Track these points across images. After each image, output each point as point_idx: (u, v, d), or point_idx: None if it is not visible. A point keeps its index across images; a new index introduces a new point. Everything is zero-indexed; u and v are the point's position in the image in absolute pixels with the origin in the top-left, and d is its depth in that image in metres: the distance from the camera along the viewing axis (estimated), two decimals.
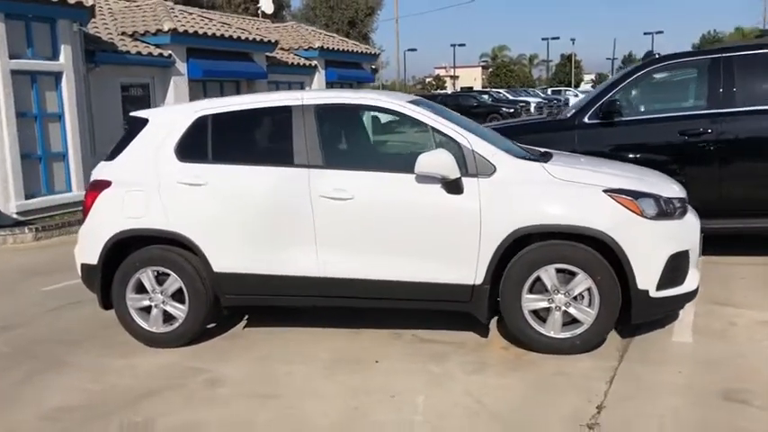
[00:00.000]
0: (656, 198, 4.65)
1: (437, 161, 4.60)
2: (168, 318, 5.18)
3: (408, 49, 49.83)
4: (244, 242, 4.99)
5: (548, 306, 4.66)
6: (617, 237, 4.48)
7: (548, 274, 4.61)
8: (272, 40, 18.30)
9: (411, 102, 5.12)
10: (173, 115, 5.37)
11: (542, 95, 44.58)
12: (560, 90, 53.82)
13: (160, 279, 5.15)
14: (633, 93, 6.91)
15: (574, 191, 4.61)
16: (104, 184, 5.23)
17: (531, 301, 4.67)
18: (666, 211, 4.65)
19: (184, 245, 5.05)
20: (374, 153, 5.28)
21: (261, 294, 5.12)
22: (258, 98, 5.37)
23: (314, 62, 20.77)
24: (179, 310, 5.13)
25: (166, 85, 15.52)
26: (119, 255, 5.19)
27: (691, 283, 4.77)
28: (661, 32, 77.63)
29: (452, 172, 4.60)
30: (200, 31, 15.81)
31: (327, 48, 21.08)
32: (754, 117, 6.48)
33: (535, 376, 4.40)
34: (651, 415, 3.82)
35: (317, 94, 5.22)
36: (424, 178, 4.69)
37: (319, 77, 21.05)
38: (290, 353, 5.01)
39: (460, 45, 69.11)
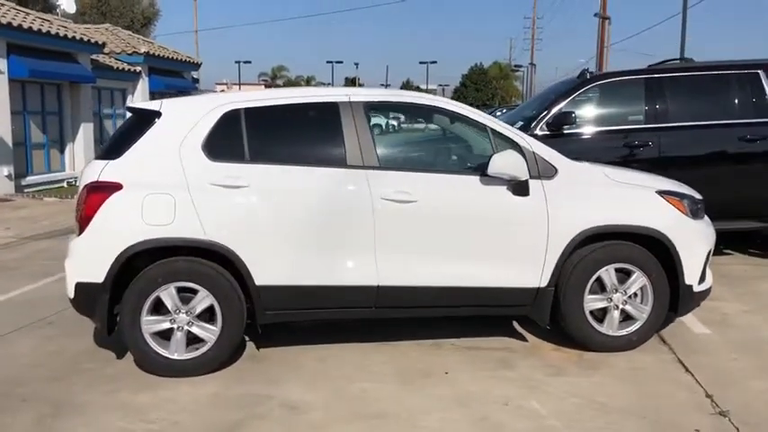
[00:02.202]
0: (691, 199, 5.00)
1: (511, 162, 4.52)
2: (192, 341, 4.48)
3: None
4: (293, 251, 4.47)
5: (605, 305, 4.78)
6: (671, 236, 4.75)
7: (608, 274, 4.74)
8: (99, 42, 16.68)
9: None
10: (191, 108, 4.67)
11: None
12: None
13: (183, 297, 4.44)
14: (578, 107, 7.35)
15: (632, 192, 4.81)
16: (112, 187, 4.38)
17: (591, 301, 4.75)
18: (698, 211, 5.02)
19: (221, 255, 4.40)
20: (431, 154, 5.04)
21: (308, 308, 4.63)
22: (296, 93, 4.90)
23: (138, 68, 19.27)
24: (209, 332, 4.46)
25: None
26: (126, 271, 4.40)
27: (710, 279, 5.18)
28: (435, 62, 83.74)
29: (523, 173, 4.56)
30: (25, 25, 13.96)
31: (153, 54, 19.68)
32: (688, 131, 7.24)
33: (617, 373, 4.48)
34: (760, 399, 4.08)
35: (364, 91, 4.88)
36: (491, 180, 4.59)
37: (143, 84, 19.57)
38: (340, 370, 4.58)
39: (246, 62, 68.07)
